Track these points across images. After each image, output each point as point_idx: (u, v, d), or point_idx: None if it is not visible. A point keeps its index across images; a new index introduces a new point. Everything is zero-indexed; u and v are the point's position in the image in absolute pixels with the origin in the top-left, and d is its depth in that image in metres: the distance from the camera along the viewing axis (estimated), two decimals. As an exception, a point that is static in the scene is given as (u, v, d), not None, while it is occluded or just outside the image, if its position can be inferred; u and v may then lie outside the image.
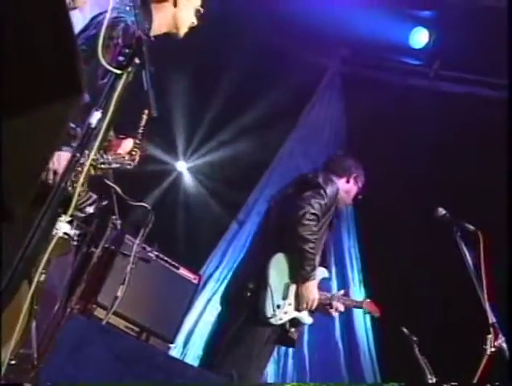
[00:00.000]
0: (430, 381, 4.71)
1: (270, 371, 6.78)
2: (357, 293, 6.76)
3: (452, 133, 6.53)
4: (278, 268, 4.74)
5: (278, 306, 4.69)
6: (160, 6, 3.92)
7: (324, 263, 5.17)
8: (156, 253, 6.14)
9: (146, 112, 3.76)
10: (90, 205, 4.22)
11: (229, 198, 7.33)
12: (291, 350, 6.84)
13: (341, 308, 5.10)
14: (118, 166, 3.87)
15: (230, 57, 7.17)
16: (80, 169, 3.50)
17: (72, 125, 3.41)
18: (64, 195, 3.40)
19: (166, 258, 6.17)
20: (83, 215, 4.93)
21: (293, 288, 4.77)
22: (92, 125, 3.12)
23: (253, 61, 7.10)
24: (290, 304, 4.75)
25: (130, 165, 3.86)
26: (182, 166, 7.52)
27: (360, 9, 6.66)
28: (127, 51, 3.27)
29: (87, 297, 5.64)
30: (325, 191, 4.82)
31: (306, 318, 4.96)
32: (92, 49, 3.58)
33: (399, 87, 7.11)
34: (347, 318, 6.81)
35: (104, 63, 3.30)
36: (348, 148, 7.06)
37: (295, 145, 7.45)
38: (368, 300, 5.41)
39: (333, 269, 7.01)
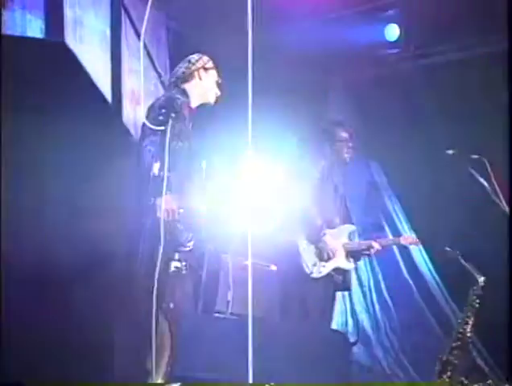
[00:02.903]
0: (479, 279, 4.76)
1: (364, 319, 6.84)
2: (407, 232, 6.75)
3: (439, 94, 6.53)
4: (303, 238, 5.01)
5: (315, 264, 4.89)
6: (191, 85, 4.14)
7: (351, 221, 5.30)
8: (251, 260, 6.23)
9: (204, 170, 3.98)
10: (189, 241, 4.33)
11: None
12: (375, 297, 6.88)
13: (377, 246, 5.13)
14: None
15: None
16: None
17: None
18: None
19: (257, 261, 6.24)
20: (186, 249, 5.07)
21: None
22: (156, 174, 3.24)
23: (273, 91, 7.19)
24: None
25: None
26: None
27: (338, 23, 6.68)
28: (163, 110, 3.40)
29: (208, 308, 5.75)
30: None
31: (345, 264, 5.08)
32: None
33: (389, 74, 7.11)
34: (408, 258, 6.82)
35: (149, 125, 3.44)
36: (367, 132, 7.10)
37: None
38: (402, 236, 5.56)
39: (387, 228, 7.02)
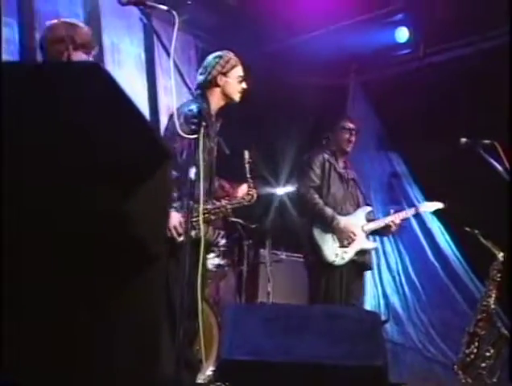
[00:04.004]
0: (499, 255, 4.73)
1: (395, 301, 6.84)
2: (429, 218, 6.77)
3: (449, 87, 6.48)
4: (319, 230, 4.84)
5: (336, 254, 4.75)
6: (210, 91, 3.87)
7: (366, 203, 5.17)
8: (285, 253, 6.25)
9: (247, 162, 3.85)
10: (221, 238, 4.30)
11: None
12: (404, 279, 6.86)
13: (397, 220, 4.96)
14: (238, 205, 3.87)
15: (283, 99, 7.26)
16: (205, 215, 3.65)
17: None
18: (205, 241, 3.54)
19: (292, 254, 6.26)
20: (219, 247, 5.07)
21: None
22: (193, 179, 3.22)
23: (297, 98, 7.23)
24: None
25: (250, 202, 3.84)
26: (280, 191, 7.56)
27: (353, 29, 6.70)
28: (195, 120, 3.38)
29: (250, 300, 5.79)
30: (311, 166, 4.95)
31: (368, 245, 4.96)
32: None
33: (402, 74, 7.12)
34: (432, 241, 6.79)
35: (184, 135, 3.41)
36: (383, 131, 7.12)
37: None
38: (421, 204, 5.34)
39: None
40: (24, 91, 1.64)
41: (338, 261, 4.73)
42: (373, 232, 5.06)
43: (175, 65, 3.18)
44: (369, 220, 4.97)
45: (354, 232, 4.81)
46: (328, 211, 4.82)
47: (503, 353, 4.54)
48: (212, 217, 3.80)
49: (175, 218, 3.59)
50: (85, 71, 1.71)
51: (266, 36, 6.87)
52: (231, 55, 3.96)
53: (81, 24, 3.55)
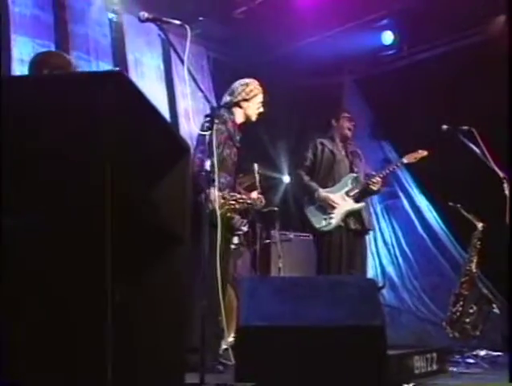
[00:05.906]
0: (478, 225, 4.74)
1: (390, 270, 6.89)
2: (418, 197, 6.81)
3: (430, 81, 6.47)
4: (307, 204, 4.95)
5: (325, 219, 4.80)
6: (234, 109, 4.06)
7: (353, 171, 5.08)
8: (293, 233, 6.26)
9: (257, 172, 3.98)
10: (244, 226, 4.36)
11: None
12: (397, 251, 6.90)
13: (379, 180, 4.90)
14: (251, 205, 4.09)
15: (284, 97, 7.25)
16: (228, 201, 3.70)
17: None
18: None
19: (299, 234, 6.27)
20: (242, 232, 5.11)
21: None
22: (208, 169, 3.26)
23: (297, 96, 7.25)
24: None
25: (259, 205, 4.16)
26: (286, 178, 7.58)
27: (344, 34, 6.73)
28: (208, 118, 3.42)
29: (263, 275, 5.83)
30: (305, 150, 5.05)
31: (356, 206, 4.90)
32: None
33: (390, 71, 7.11)
34: (421, 217, 6.83)
35: (199, 131, 3.46)
36: (375, 121, 7.11)
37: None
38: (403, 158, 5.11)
39: (402, 195, 6.98)
40: (55, 99, 1.67)
41: (326, 227, 4.79)
42: (364, 195, 4.99)
43: (190, 73, 3.22)
44: (355, 185, 4.94)
45: (334, 200, 4.82)
46: (312, 185, 4.91)
47: (484, 310, 4.59)
48: (237, 206, 3.91)
49: (213, 193, 3.62)
50: (111, 78, 1.74)
51: (269, 44, 6.88)
52: (255, 84, 4.13)
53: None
